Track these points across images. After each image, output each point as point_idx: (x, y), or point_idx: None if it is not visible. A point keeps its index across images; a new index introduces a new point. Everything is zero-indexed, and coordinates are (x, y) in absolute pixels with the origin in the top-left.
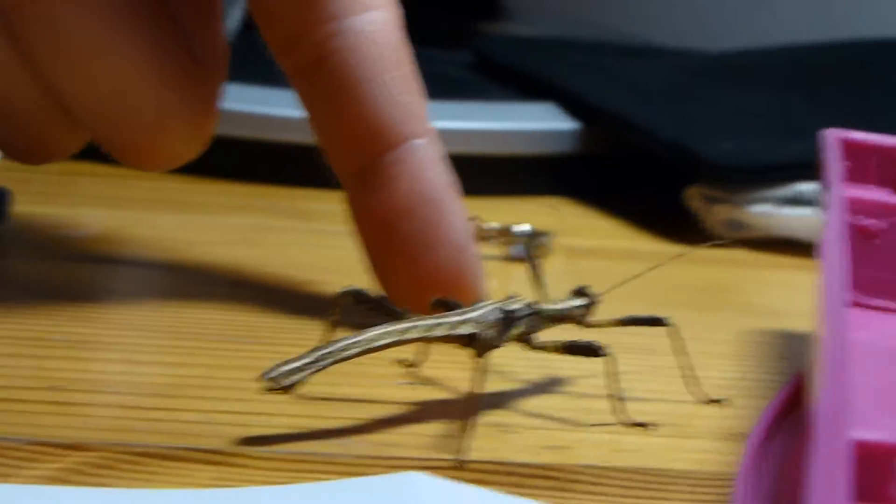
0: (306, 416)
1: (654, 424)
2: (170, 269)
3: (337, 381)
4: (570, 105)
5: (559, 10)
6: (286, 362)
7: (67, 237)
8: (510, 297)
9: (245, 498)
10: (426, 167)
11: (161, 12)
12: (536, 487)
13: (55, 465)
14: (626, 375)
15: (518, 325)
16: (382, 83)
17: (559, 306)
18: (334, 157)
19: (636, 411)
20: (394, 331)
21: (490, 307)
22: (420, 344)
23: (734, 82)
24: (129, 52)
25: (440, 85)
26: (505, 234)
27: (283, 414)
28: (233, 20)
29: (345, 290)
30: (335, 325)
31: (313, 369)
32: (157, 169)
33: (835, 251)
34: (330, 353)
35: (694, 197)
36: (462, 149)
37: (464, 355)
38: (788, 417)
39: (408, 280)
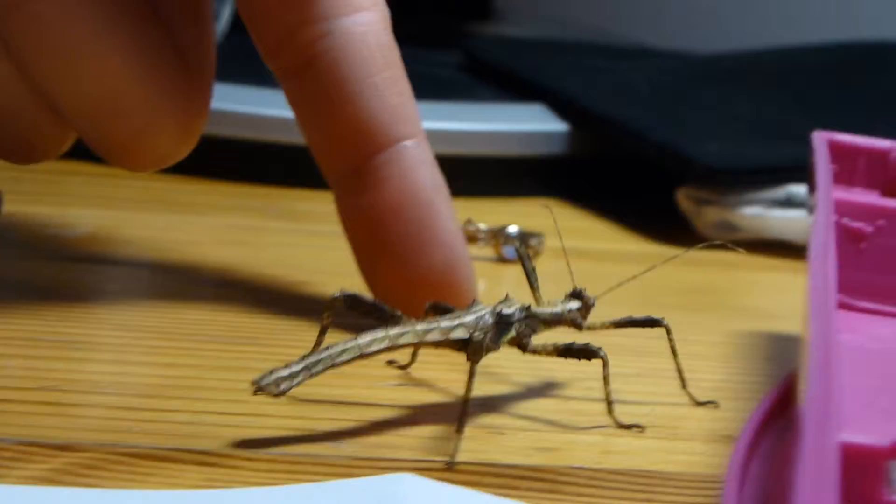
0: (298, 418)
1: (644, 426)
2: (160, 269)
3: (329, 382)
4: (560, 106)
5: (549, 12)
6: (278, 369)
7: (57, 237)
8: (504, 301)
9: (235, 499)
10: (416, 168)
11: (150, 13)
12: (527, 489)
13: (45, 466)
14: (616, 377)
15: (512, 329)
16: (372, 84)
17: (554, 310)
18: (324, 158)
19: (627, 413)
20: (386, 336)
21: (484, 311)
22: (413, 347)
23: (724, 84)
24: (119, 53)
25: (430, 86)
26: (496, 235)
27: (275, 415)
28: (222, 21)
29: (337, 294)
30: (327, 328)
31: (305, 376)
32: (146, 169)
33: (823, 253)
34: (322, 359)
35: (684, 199)
36: (452, 150)
37: (457, 357)
38: (778, 419)
39: (398, 282)
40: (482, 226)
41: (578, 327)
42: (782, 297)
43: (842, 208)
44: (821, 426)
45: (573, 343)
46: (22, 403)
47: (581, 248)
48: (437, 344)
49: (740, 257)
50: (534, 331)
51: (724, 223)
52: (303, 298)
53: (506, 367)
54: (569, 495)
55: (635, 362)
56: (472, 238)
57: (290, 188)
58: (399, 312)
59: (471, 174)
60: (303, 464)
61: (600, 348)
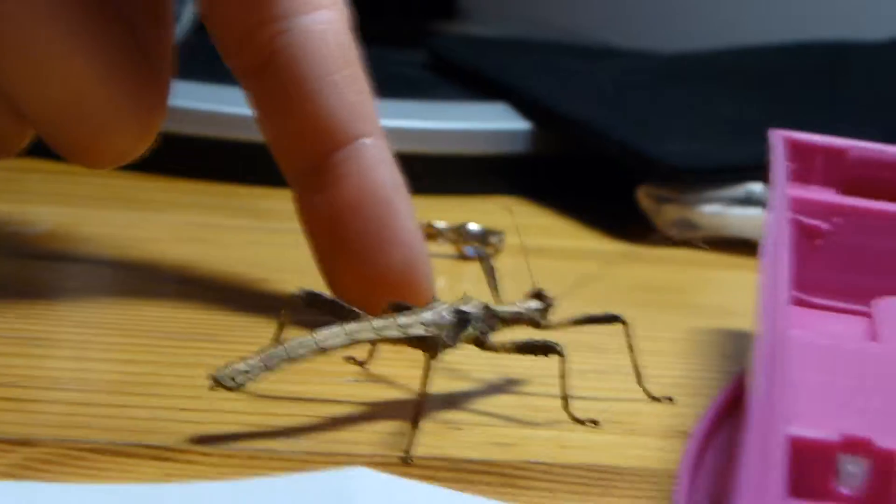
0: (255, 414)
1: (601, 422)
2: (120, 266)
3: (286, 378)
4: (524, 106)
5: (514, 11)
6: (236, 363)
7: (17, 234)
8: (464, 299)
9: (190, 493)
10: (374, 166)
11: (112, 13)
12: (483, 483)
13: (3, 461)
14: (574, 374)
15: (472, 327)
16: (331, 83)
17: (513, 308)
18: (283, 156)
19: (584, 409)
20: (344, 333)
21: (443, 309)
22: (378, 344)
23: (688, 84)
24: (83, 54)
25: (395, 84)
26: (457, 233)
27: (232, 411)
28: (185, 19)
29: (296, 291)
30: (285, 325)
31: (262, 371)
32: (104, 166)
33: (777, 250)
34: (279, 354)
35: (644, 197)
36: (416, 148)
37: (415, 354)
38: (733, 415)
39: (357, 279)
40: (443, 224)
41: (537, 325)
42: (741, 295)
43: (799, 206)
44: (768, 419)
45: (531, 340)
46: None
47: (542, 246)
48: (395, 341)
49: (699, 255)
50: (492, 328)
51: (684, 221)
52: (262, 295)
53: (464, 363)
54: (524, 490)
55: (593, 359)
56: (432, 236)
57: (250, 186)
58: (358, 310)
59: (434, 172)
60: (260, 458)
61: (558, 344)
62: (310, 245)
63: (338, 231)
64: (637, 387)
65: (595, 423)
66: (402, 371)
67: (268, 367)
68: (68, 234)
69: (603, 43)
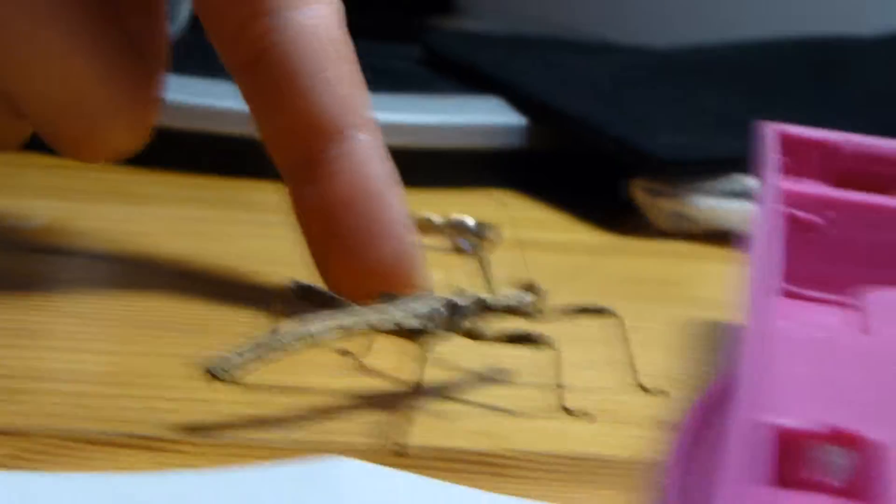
0: (247, 405)
1: (593, 414)
2: (115, 259)
3: (278, 369)
4: (519, 100)
5: (509, 6)
6: (228, 354)
7: (14, 228)
8: (456, 291)
9: (178, 482)
10: (367, 161)
11: (111, 12)
12: (473, 473)
13: None
14: (566, 366)
15: (464, 319)
16: (323, 78)
17: (506, 301)
18: (276, 150)
19: (575, 400)
20: (337, 325)
21: (436, 301)
22: (363, 335)
23: (682, 78)
24: (83, 53)
25: (388, 79)
26: (451, 226)
27: (224, 402)
28: (182, 16)
29: (289, 283)
30: (278, 317)
31: (255, 362)
32: (98, 161)
33: (767, 242)
34: (272, 346)
35: (638, 190)
36: (410, 142)
37: (406, 345)
38: (722, 407)
39: (348, 272)
40: (437, 217)
41: (529, 317)
42: (734, 287)
43: (792, 199)
44: (751, 409)
45: (523, 331)
46: None
47: (536, 239)
48: (388, 333)
49: (693, 248)
50: (485, 320)
51: (679, 214)
52: (257, 288)
53: (455, 354)
54: (513, 479)
55: (585, 351)
56: (427, 229)
57: (245, 179)
58: (350, 302)
59: (429, 166)
60: (251, 448)
61: (549, 337)
62: (302, 238)
63: (329, 224)
64: (628, 378)
65: (587, 415)
66: (392, 362)
67: (260, 358)
68: (64, 228)
69: (598, 39)
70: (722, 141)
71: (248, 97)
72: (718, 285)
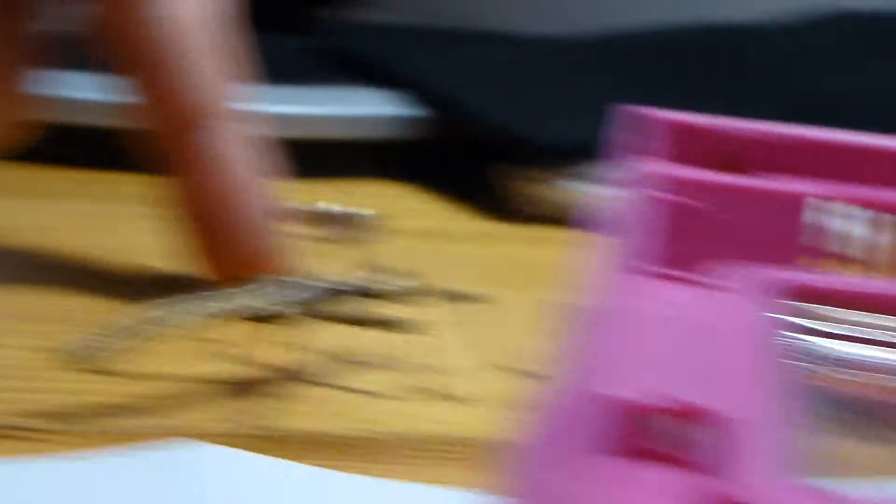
0: (111, 393)
1: (459, 396)
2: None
3: (142, 357)
4: (411, 91)
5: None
6: (91, 341)
7: None
8: (330, 278)
9: (37, 469)
10: (229, 150)
11: None
12: (338, 457)
13: None
14: (436, 349)
15: (335, 305)
16: (188, 66)
17: (380, 286)
18: (145, 138)
19: (444, 383)
20: (201, 311)
21: (305, 288)
22: (225, 321)
23: (577, 66)
24: None
25: (282, 70)
26: (330, 215)
27: (89, 391)
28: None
29: (159, 271)
30: (144, 305)
31: (119, 348)
32: None
33: (628, 224)
34: (135, 332)
35: (509, 176)
36: (301, 133)
37: (272, 330)
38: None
39: (215, 261)
40: (321, 206)
41: (404, 302)
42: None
43: (667, 183)
44: (594, 383)
45: (393, 316)
46: None
47: (418, 228)
48: (253, 319)
49: (569, 234)
50: (359, 306)
51: (553, 200)
52: (123, 278)
53: (325, 340)
54: (380, 462)
55: (457, 335)
56: (308, 219)
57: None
58: (217, 290)
59: (319, 157)
60: (117, 435)
61: (420, 321)
62: (168, 226)
63: (195, 214)
64: (497, 361)
65: (454, 398)
66: (258, 349)
67: (124, 345)
68: None
69: (490, 29)
70: (598, 127)
71: (123, 89)
72: (589, 269)
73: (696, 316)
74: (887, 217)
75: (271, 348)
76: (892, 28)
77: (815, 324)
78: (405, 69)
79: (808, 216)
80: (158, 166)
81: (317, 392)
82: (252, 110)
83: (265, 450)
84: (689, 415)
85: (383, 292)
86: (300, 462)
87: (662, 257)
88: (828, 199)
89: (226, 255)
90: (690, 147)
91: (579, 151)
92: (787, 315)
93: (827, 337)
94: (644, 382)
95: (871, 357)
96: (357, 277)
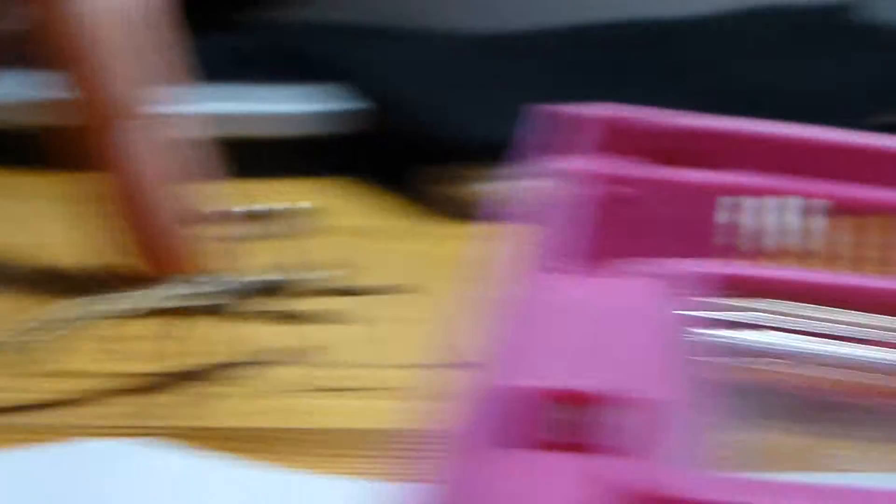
0: (20, 390)
1: (375, 388)
2: None
3: (50, 355)
4: (345, 88)
5: None
6: (2, 337)
7: None
8: (241, 273)
9: None
10: (142, 151)
11: None
12: (244, 450)
13: None
14: (357, 343)
15: (246, 299)
16: (107, 63)
17: (305, 283)
18: (67, 135)
19: (362, 377)
20: (111, 308)
21: (216, 282)
22: (138, 318)
23: (506, 63)
24: None
25: (217, 68)
26: (262, 214)
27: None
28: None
29: (84, 266)
30: (57, 302)
31: (29, 345)
32: None
33: (548, 218)
34: (46, 329)
35: (437, 174)
36: (237, 131)
37: (185, 328)
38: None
39: (128, 257)
40: (239, 206)
41: (307, 296)
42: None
43: (596, 177)
44: (502, 374)
45: (295, 310)
46: None
47: (349, 225)
48: (166, 312)
49: (489, 229)
50: (281, 301)
51: (474, 196)
52: (40, 276)
53: (227, 334)
54: (282, 454)
55: (381, 329)
56: (229, 217)
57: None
58: (134, 287)
59: (253, 155)
60: (24, 432)
61: (323, 314)
62: (88, 222)
63: (110, 212)
64: (410, 354)
65: (369, 390)
66: (169, 345)
67: (34, 342)
68: None
69: (424, 26)
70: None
71: (54, 86)
72: (509, 264)
73: (607, 307)
74: (818, 205)
75: (184, 345)
76: (815, 22)
77: (724, 315)
78: (341, 65)
79: (731, 208)
80: (79, 163)
81: (228, 388)
82: (180, 110)
83: (177, 444)
84: (595, 401)
85: (300, 288)
86: (207, 456)
87: (581, 251)
88: (754, 191)
89: (141, 254)
90: (616, 141)
91: (506, 148)
92: (699, 306)
93: (737, 328)
94: (555, 372)
95: (781, 345)
96: (274, 273)
